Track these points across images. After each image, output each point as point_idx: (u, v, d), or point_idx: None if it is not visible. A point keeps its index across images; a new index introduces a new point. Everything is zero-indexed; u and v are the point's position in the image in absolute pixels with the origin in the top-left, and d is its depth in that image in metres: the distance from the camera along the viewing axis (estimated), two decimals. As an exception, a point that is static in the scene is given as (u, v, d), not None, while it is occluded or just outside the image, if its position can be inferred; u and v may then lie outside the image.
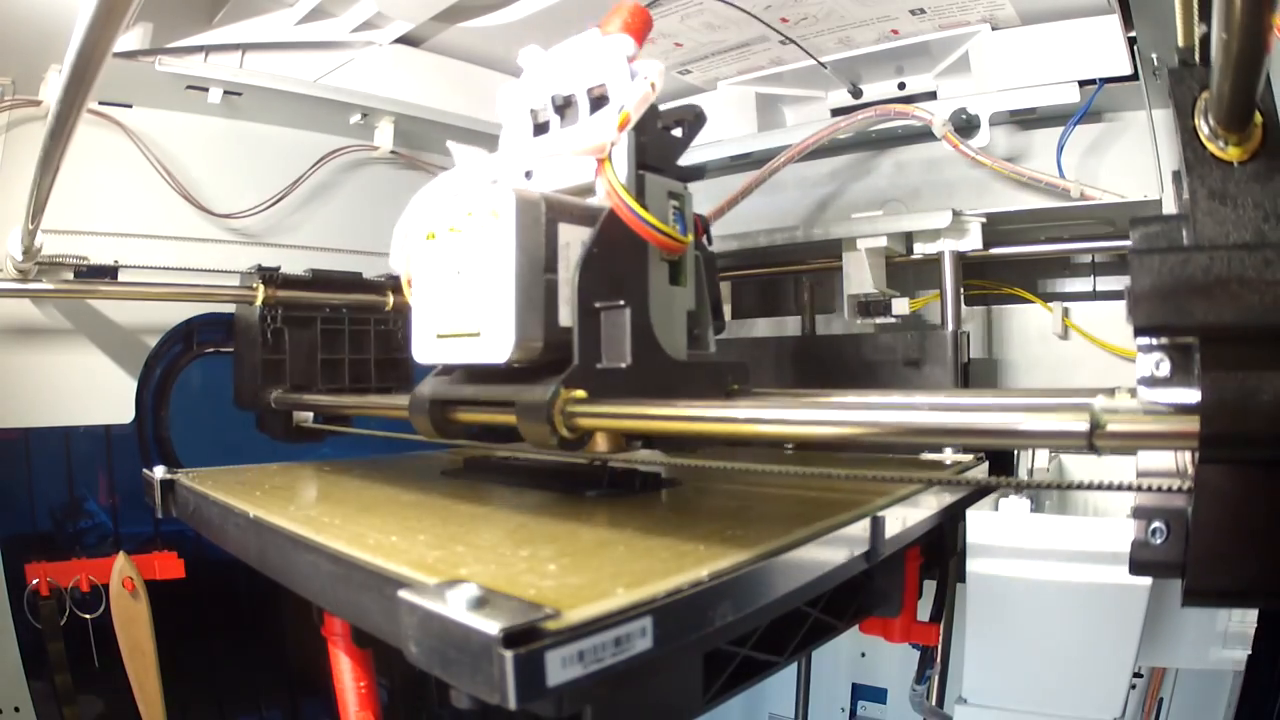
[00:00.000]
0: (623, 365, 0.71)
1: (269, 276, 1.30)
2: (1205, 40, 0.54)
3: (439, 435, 0.77)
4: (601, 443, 0.69)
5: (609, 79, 0.75)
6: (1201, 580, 0.50)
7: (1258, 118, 0.51)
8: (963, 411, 0.51)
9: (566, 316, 0.71)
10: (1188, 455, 0.56)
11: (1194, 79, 0.55)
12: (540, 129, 0.82)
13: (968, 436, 0.53)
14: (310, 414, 1.28)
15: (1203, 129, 0.53)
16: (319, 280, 1.36)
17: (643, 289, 0.75)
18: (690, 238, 0.80)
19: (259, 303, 1.28)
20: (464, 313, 0.71)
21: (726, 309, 1.82)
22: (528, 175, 0.81)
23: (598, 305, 0.71)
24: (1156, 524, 0.56)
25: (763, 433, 0.55)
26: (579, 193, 0.76)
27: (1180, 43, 0.57)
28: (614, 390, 0.69)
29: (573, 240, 0.71)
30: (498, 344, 0.68)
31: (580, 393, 0.66)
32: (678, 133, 0.82)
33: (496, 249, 0.68)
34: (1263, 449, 0.44)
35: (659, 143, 0.79)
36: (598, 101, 0.77)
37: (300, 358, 1.32)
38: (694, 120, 0.82)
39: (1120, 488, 0.54)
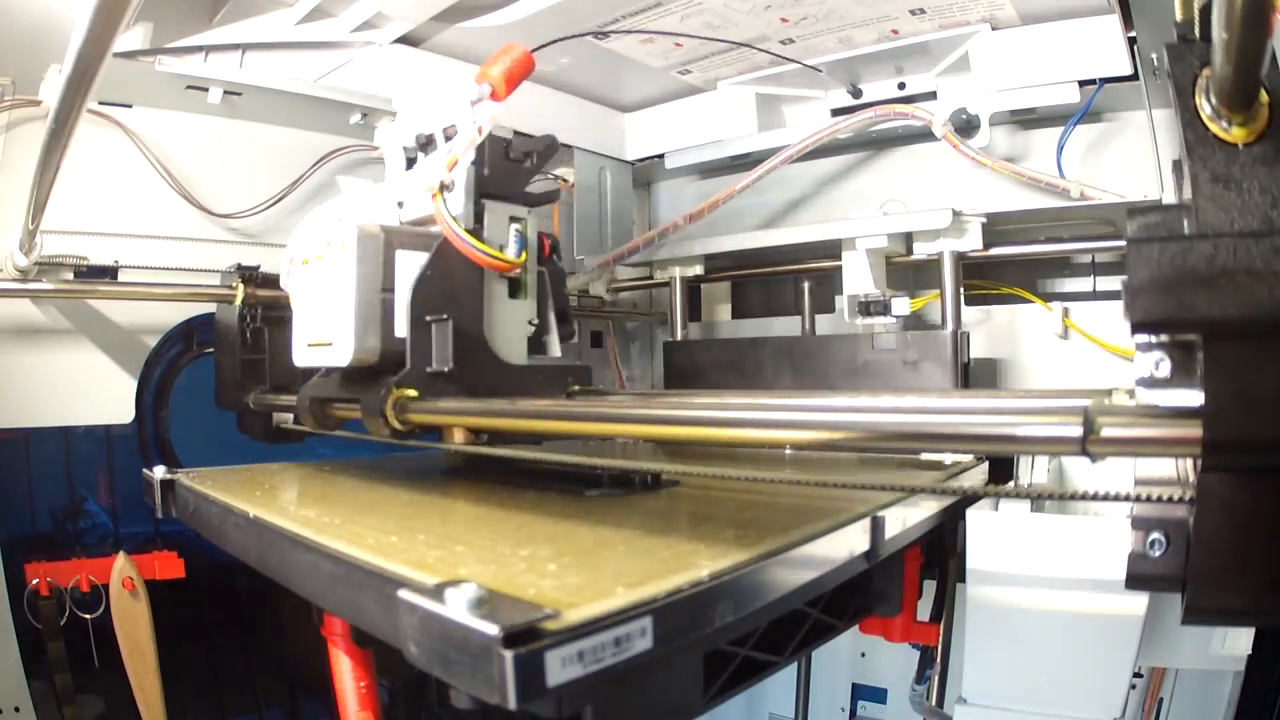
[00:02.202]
0: (446, 369, 0.83)
1: (248, 275, 1.28)
2: (1206, 12, 0.50)
3: (319, 427, 0.92)
4: (458, 435, 0.82)
5: (457, 121, 0.87)
6: (1203, 598, 0.47)
7: (1263, 96, 0.47)
8: (949, 414, 0.48)
9: (403, 328, 0.84)
10: (1189, 462, 0.53)
11: (1194, 55, 0.51)
12: (411, 163, 0.94)
13: (955, 442, 0.50)
14: (290, 415, 1.27)
15: (1204, 108, 0.49)
16: None
17: (477, 303, 0.88)
18: (524, 257, 0.90)
19: (238, 302, 1.27)
20: (323, 325, 0.86)
21: (725, 308, 1.83)
22: (400, 205, 0.92)
23: (429, 318, 0.84)
24: (1155, 535, 0.52)
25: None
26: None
27: (1179, 16, 0.53)
28: (445, 390, 0.82)
29: (411, 264, 0.85)
30: (342, 351, 0.83)
31: (411, 391, 0.79)
32: (529, 163, 0.94)
33: (342, 274, 0.83)
34: (1270, 456, 0.41)
35: (504, 173, 0.91)
36: (452, 139, 0.87)
37: (280, 357, 1.28)
38: (544, 150, 0.95)
39: (1115, 498, 0.50)
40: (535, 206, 0.94)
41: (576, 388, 0.95)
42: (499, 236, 0.89)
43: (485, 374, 0.86)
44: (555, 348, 0.98)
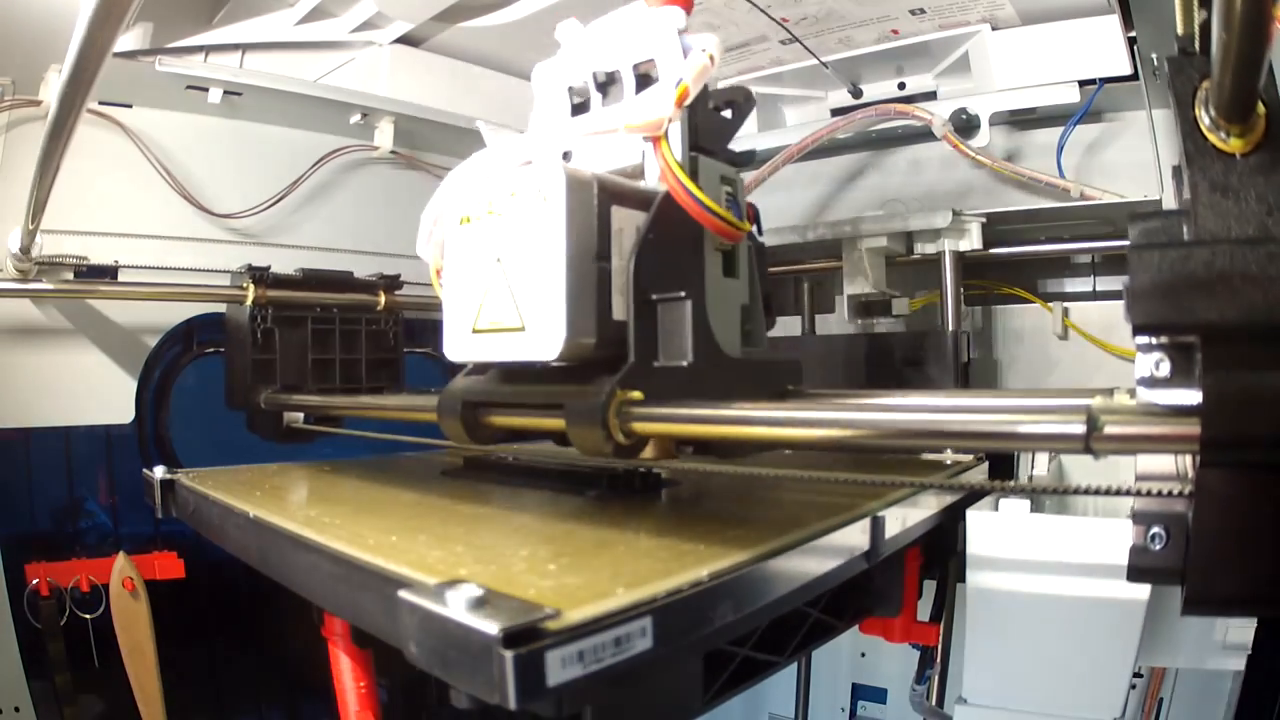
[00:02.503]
0: (684, 364, 0.65)
1: (259, 276, 1.29)
2: (1205, 28, 0.52)
3: (470, 440, 0.71)
4: (648, 450, 0.63)
5: (659, 53, 0.69)
6: (1202, 589, 0.49)
7: (1260, 108, 0.49)
8: (957, 413, 0.50)
9: (620, 309, 0.64)
10: (1188, 459, 0.55)
11: (1194, 68, 0.53)
12: (579, 108, 0.77)
13: (963, 439, 0.51)
14: (300, 414, 1.28)
15: (1203, 120, 0.51)
16: (310, 280, 1.35)
17: (699, 280, 0.69)
18: (748, 225, 0.74)
19: (249, 302, 1.28)
20: (505, 305, 0.65)
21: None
22: (565, 156, 0.75)
23: (655, 297, 0.65)
24: (1156, 529, 0.54)
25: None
26: (622, 177, 0.71)
27: (1179, 31, 0.56)
28: (671, 391, 0.63)
29: (625, 226, 0.65)
30: (546, 339, 0.62)
31: (637, 394, 0.61)
32: (728, 114, 0.76)
33: (544, 233, 0.62)
34: (1265, 452, 0.42)
35: (711, 123, 0.74)
36: (644, 79, 0.71)
37: (291, 358, 1.31)
38: (744, 101, 0.76)
39: (1118, 493, 0.53)
40: (740, 167, 0.77)
41: (791, 387, 0.78)
42: (711, 199, 0.69)
43: (712, 371, 0.67)
44: (764, 338, 0.81)
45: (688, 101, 0.66)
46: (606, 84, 0.75)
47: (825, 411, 0.56)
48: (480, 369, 0.74)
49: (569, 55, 0.78)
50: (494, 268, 0.66)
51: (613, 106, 0.74)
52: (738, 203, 0.75)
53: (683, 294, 0.65)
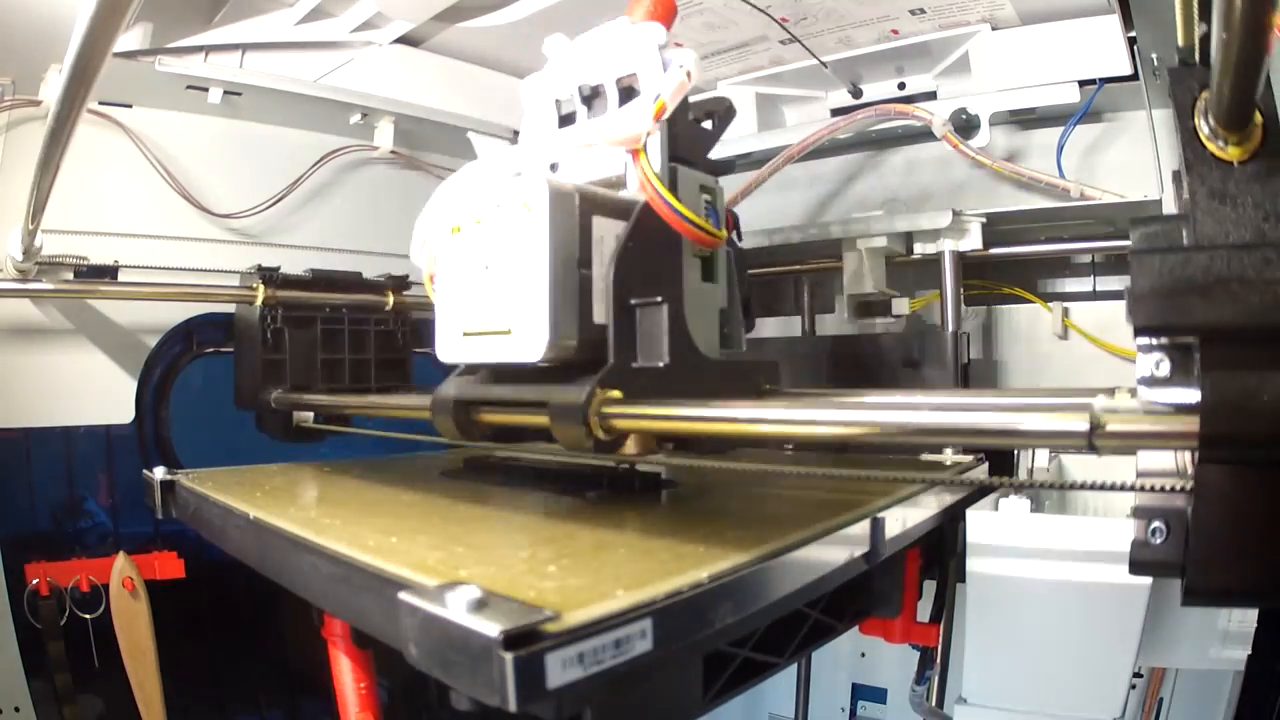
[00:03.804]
0: (660, 364, 0.69)
1: (269, 276, 1.30)
2: (1205, 40, 0.54)
3: (461, 436, 0.75)
4: (631, 445, 0.67)
5: (640, 68, 0.72)
6: (1201, 580, 0.51)
7: (1257, 117, 0.51)
8: (963, 411, 0.51)
9: (601, 314, 0.68)
10: (1188, 455, 0.56)
11: (1194, 79, 0.55)
12: (566, 120, 0.80)
13: (969, 436, 0.53)
14: (310, 414, 1.28)
15: (1203, 129, 0.53)
16: (319, 280, 1.36)
17: (678, 285, 0.72)
18: (724, 233, 0.77)
19: (259, 303, 1.29)
20: (493, 309, 0.68)
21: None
22: (553, 168, 0.78)
23: (634, 302, 0.69)
24: (1156, 524, 0.56)
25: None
26: (606, 186, 0.74)
27: (1180, 43, 0.58)
28: (650, 391, 0.67)
29: (606, 234, 0.68)
30: (530, 342, 0.65)
31: (616, 393, 0.64)
32: (708, 125, 0.80)
33: (528, 243, 0.65)
34: (1262, 449, 0.44)
35: (690, 135, 0.77)
36: (626, 92, 0.74)
37: (300, 357, 1.32)
38: (724, 113, 0.80)
39: (1120, 488, 0.55)
40: (720, 175, 0.80)
41: (768, 386, 0.81)
42: (689, 208, 0.72)
43: (690, 372, 0.71)
44: (743, 340, 0.85)
45: (665, 117, 0.69)
46: (591, 97, 0.77)
47: (817, 410, 0.57)
48: (470, 370, 0.77)
49: (556, 69, 0.80)
50: (482, 274, 0.69)
51: (597, 119, 0.76)
52: (716, 210, 0.78)
53: (659, 299, 0.69)
